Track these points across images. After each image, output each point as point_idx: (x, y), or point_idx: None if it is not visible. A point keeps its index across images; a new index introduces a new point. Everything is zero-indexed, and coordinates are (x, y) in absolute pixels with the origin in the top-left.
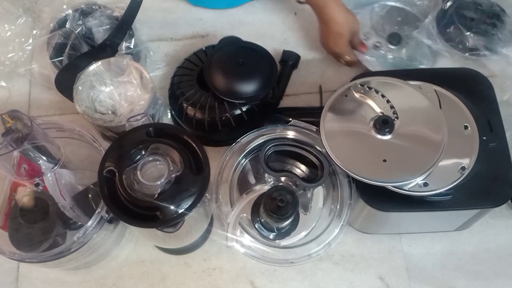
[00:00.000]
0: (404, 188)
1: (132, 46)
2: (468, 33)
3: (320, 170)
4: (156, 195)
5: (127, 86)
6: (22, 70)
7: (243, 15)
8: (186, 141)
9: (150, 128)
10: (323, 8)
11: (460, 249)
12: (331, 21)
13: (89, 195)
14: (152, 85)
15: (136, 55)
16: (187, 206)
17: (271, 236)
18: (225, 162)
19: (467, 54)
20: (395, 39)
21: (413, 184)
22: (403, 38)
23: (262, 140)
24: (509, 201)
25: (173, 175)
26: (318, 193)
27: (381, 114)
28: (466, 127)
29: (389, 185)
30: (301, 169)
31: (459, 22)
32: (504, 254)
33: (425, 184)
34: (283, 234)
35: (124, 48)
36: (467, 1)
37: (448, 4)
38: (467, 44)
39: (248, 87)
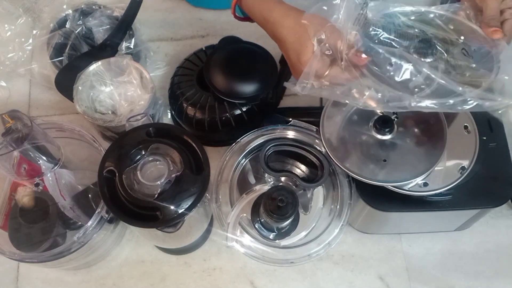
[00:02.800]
0: (404, 188)
1: (132, 46)
2: None
3: (320, 170)
4: (156, 195)
5: (127, 86)
6: (22, 70)
7: None
8: (186, 141)
9: (150, 128)
10: (266, 24)
11: (460, 249)
12: (278, 39)
13: (89, 195)
14: (152, 85)
15: (136, 55)
16: (187, 206)
17: (271, 236)
18: (225, 162)
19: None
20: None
21: (413, 184)
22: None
23: (262, 140)
24: (509, 201)
25: (173, 175)
26: (318, 193)
27: (381, 114)
28: (466, 127)
29: (389, 185)
30: (301, 169)
31: None
32: (504, 254)
33: (425, 184)
34: (283, 234)
35: (124, 48)
36: None
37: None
38: None
39: (248, 87)
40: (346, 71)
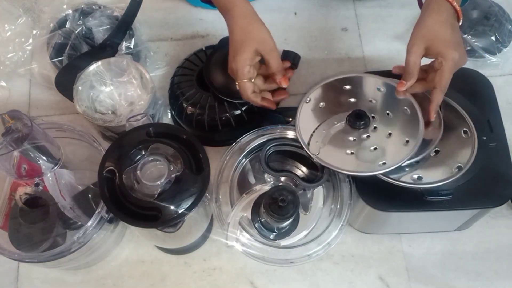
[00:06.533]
0: (400, 180)
1: (132, 46)
2: (466, 35)
3: (320, 171)
4: (156, 195)
5: (127, 86)
6: (22, 70)
7: None
8: (186, 141)
9: (150, 128)
10: (225, 14)
11: (460, 249)
12: (230, 31)
13: (89, 195)
14: (152, 85)
15: (136, 55)
16: (187, 206)
17: (271, 236)
18: (225, 162)
19: None
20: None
21: (405, 170)
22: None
23: (262, 140)
24: (509, 201)
25: (173, 175)
26: (318, 193)
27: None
28: (465, 131)
29: (382, 176)
30: (301, 169)
31: None
32: (504, 254)
33: (420, 178)
34: (283, 234)
35: (124, 48)
36: (465, 3)
37: None
38: (465, 47)
39: None
40: (257, 97)
